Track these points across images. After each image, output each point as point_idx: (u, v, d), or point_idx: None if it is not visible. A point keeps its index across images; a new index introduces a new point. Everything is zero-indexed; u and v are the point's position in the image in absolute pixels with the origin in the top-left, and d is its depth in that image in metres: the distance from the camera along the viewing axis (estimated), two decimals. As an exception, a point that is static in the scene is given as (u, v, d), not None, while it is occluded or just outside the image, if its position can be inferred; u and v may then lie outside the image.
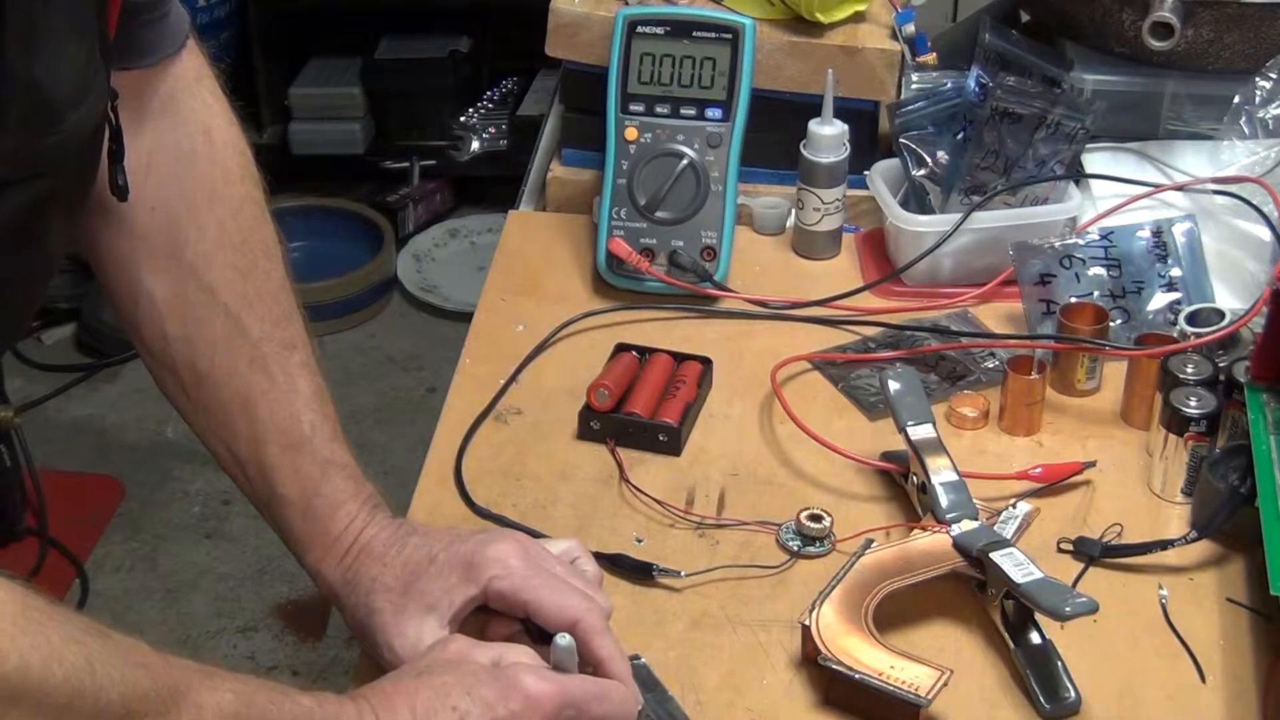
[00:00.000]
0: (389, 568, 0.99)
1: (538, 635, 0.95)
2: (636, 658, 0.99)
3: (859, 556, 1.02)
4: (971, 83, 1.37)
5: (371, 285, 3.14)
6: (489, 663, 0.90)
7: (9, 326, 1.01)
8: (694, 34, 1.37)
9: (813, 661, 0.97)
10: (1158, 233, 1.32)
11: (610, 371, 1.23)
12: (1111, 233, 1.33)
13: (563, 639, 0.90)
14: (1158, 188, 1.40)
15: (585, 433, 1.20)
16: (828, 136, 1.38)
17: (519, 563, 0.96)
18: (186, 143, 1.05)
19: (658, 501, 1.13)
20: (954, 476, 1.08)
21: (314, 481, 1.02)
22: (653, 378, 1.23)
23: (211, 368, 1.04)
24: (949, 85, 1.41)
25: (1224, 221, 1.36)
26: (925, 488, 1.09)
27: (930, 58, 1.47)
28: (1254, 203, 1.33)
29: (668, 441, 1.18)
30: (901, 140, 1.39)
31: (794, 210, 1.44)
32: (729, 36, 1.36)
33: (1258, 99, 1.39)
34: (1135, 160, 1.44)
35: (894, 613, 1.01)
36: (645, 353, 1.26)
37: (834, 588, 1.00)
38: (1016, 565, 0.99)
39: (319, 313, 3.07)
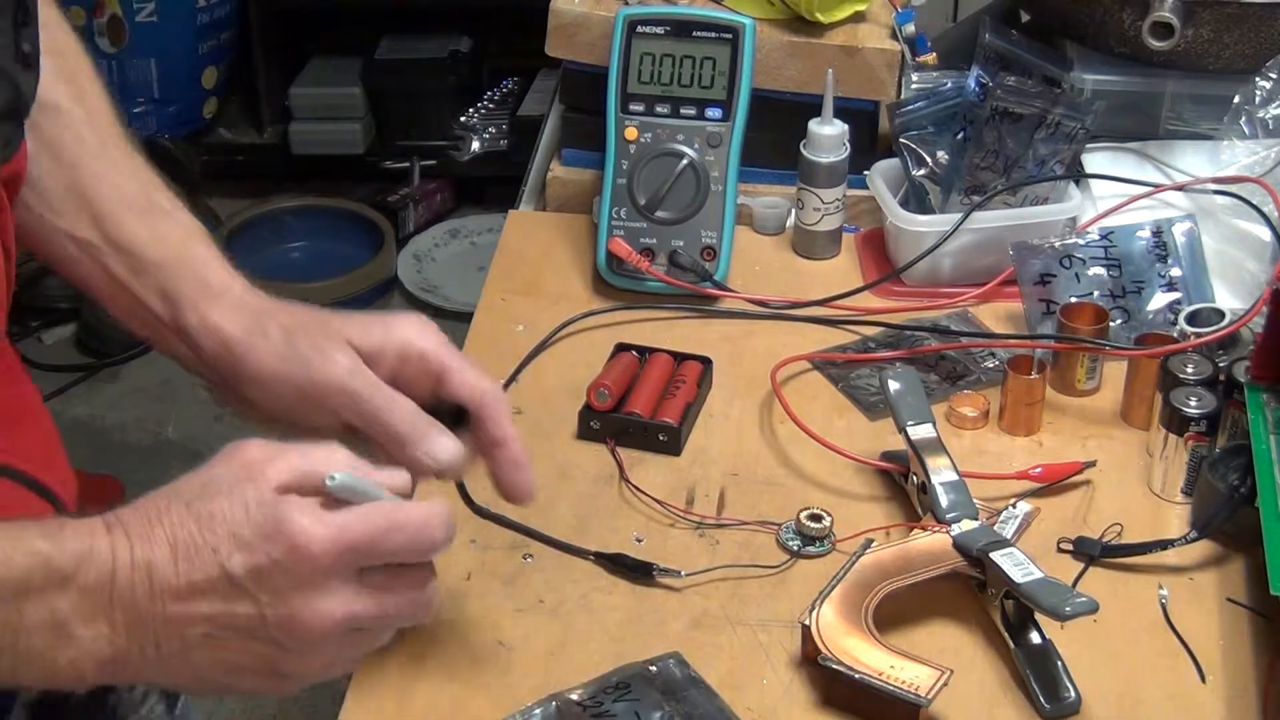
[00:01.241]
0: (299, 311, 0.95)
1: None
2: (675, 655, 0.99)
3: (859, 556, 1.02)
4: (971, 83, 1.37)
5: (372, 285, 3.14)
6: (277, 485, 0.78)
7: None
8: (694, 34, 1.37)
9: (813, 661, 0.97)
10: (1158, 233, 1.32)
11: (610, 371, 1.23)
12: (1111, 233, 1.33)
13: (331, 479, 0.78)
14: (1158, 188, 1.40)
15: (585, 433, 1.20)
16: (828, 136, 1.38)
17: (436, 334, 0.94)
18: None
19: (658, 501, 1.13)
20: (954, 476, 1.08)
21: (180, 241, 0.97)
22: (653, 378, 1.23)
23: (57, 162, 0.96)
24: (949, 85, 1.41)
25: (1224, 221, 1.36)
26: (925, 488, 1.09)
27: (930, 58, 1.47)
28: (1254, 203, 1.33)
29: (668, 441, 1.18)
30: (901, 140, 1.39)
31: (794, 210, 1.44)
32: (729, 36, 1.36)
33: (1258, 99, 1.39)
34: (1135, 160, 1.44)
35: (894, 613, 1.01)
36: (645, 352, 1.26)
37: (834, 588, 1.00)
38: (1016, 565, 0.99)
39: (319, 313, 3.07)
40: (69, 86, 0.97)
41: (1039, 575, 0.97)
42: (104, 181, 0.96)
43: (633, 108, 1.37)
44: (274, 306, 0.95)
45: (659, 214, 1.37)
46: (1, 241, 0.87)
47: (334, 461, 0.81)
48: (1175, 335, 1.21)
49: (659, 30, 1.37)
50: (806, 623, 0.97)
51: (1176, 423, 1.12)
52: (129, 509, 0.78)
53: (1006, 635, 1.00)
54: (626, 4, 1.43)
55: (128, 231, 0.95)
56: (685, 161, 1.36)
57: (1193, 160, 1.42)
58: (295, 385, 0.93)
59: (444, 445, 0.93)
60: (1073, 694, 0.97)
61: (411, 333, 0.94)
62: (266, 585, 0.76)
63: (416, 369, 0.94)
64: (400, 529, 0.79)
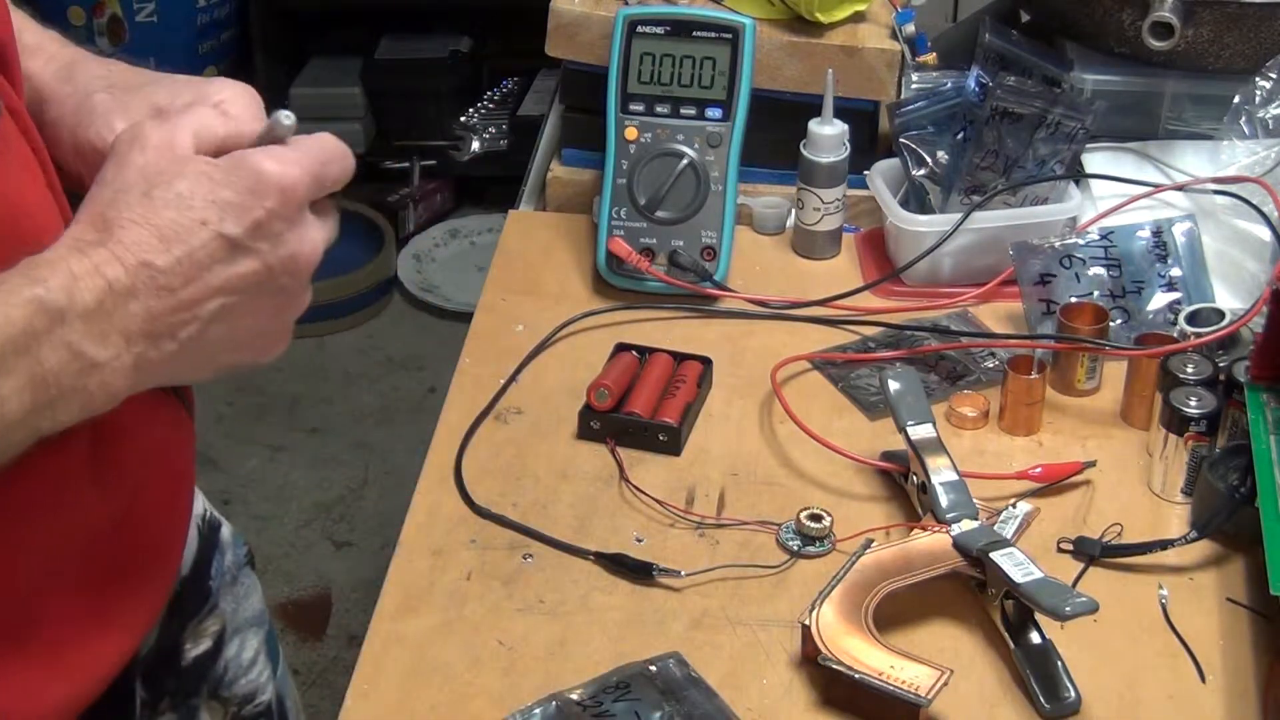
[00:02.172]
0: (115, 71, 0.91)
1: None
2: (675, 655, 0.99)
3: (859, 556, 1.02)
4: (971, 83, 1.37)
5: (372, 285, 3.14)
6: (213, 153, 0.78)
7: None
8: (694, 34, 1.37)
9: (813, 661, 0.97)
10: (1158, 233, 1.33)
11: (610, 371, 1.23)
12: (1111, 233, 1.33)
13: (289, 118, 0.80)
14: (1158, 188, 1.40)
15: (585, 432, 1.20)
16: (828, 136, 1.38)
17: (253, 103, 0.87)
18: None
19: (658, 501, 1.13)
20: (954, 476, 1.08)
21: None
22: (653, 377, 1.23)
23: None
24: (949, 85, 1.41)
25: (1224, 221, 1.36)
26: (925, 488, 1.09)
27: (930, 58, 1.47)
28: (1254, 203, 1.33)
29: (668, 441, 1.18)
30: (901, 140, 1.39)
31: (794, 210, 1.44)
32: (729, 36, 1.36)
33: (1258, 99, 1.39)
34: (1135, 160, 1.44)
35: (894, 613, 1.01)
36: (645, 352, 1.26)
37: (834, 587, 1.00)
38: (1016, 565, 0.99)
39: (319, 313, 3.08)
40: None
41: (1039, 575, 0.97)
42: None
43: (633, 108, 1.37)
44: (92, 59, 0.92)
45: (659, 214, 1.37)
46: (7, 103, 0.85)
47: (233, 112, 0.82)
48: (1175, 335, 1.21)
49: (659, 30, 1.37)
50: (806, 623, 0.97)
51: (1176, 423, 1.12)
52: (83, 226, 0.76)
53: (1006, 635, 1.00)
54: (626, 4, 1.43)
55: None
56: (685, 161, 1.36)
57: (1193, 160, 1.42)
58: (74, 144, 0.89)
59: None
60: (1073, 694, 0.97)
61: (226, 94, 0.86)
62: (265, 235, 0.77)
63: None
64: (335, 156, 0.82)
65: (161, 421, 0.94)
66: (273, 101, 0.84)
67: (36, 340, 0.72)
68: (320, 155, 0.81)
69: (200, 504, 1.07)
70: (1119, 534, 1.10)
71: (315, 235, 0.80)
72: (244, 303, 0.78)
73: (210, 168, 0.77)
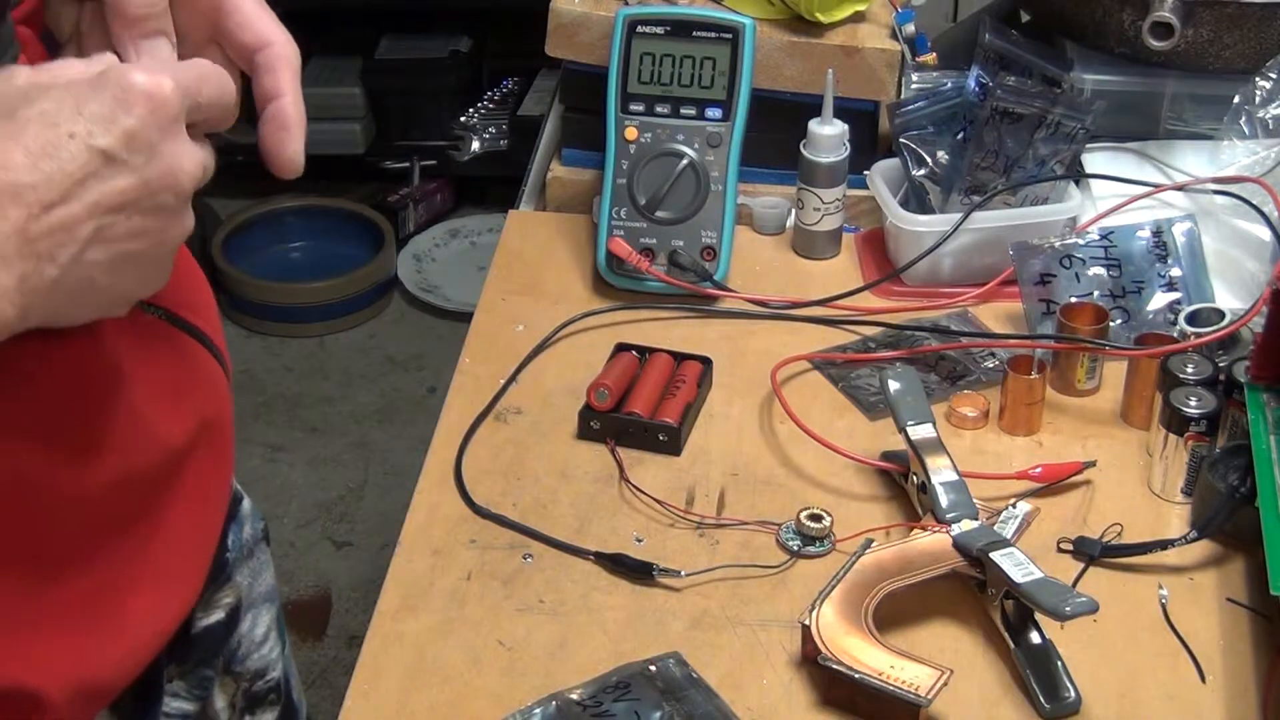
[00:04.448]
0: None
1: None
2: (675, 655, 0.99)
3: (859, 556, 1.02)
4: (971, 83, 1.37)
5: (372, 285, 3.14)
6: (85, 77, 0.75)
7: None
8: (694, 34, 1.37)
9: (813, 661, 0.97)
10: (1158, 233, 1.33)
11: (610, 371, 1.23)
12: (1111, 233, 1.33)
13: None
14: (1158, 188, 1.40)
15: (585, 433, 1.20)
16: (828, 136, 1.38)
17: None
18: None
19: (658, 501, 1.13)
20: (954, 476, 1.08)
21: None
22: (653, 377, 1.23)
23: None
24: (949, 85, 1.41)
25: (1224, 221, 1.36)
26: (925, 487, 1.09)
27: (930, 58, 1.47)
28: (1254, 203, 1.33)
29: (668, 441, 1.18)
30: (901, 140, 1.39)
31: (794, 210, 1.44)
32: (729, 36, 1.36)
33: (1258, 99, 1.39)
34: (1135, 160, 1.44)
35: (894, 613, 1.01)
36: (645, 352, 1.26)
37: (834, 587, 1.00)
38: (1016, 565, 0.99)
39: (319, 313, 3.08)
40: None
41: (1039, 575, 0.97)
42: None
43: (633, 108, 1.37)
44: None
45: (659, 214, 1.37)
46: None
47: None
48: (1175, 335, 1.21)
49: (659, 30, 1.37)
50: (806, 623, 0.97)
51: (1176, 423, 1.12)
52: None
53: (1006, 635, 1.00)
54: (626, 4, 1.43)
55: None
56: (685, 161, 1.36)
57: (1193, 160, 1.43)
58: None
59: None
60: (1073, 694, 0.97)
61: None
62: (138, 146, 0.74)
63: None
64: (210, 74, 0.79)
65: (206, 374, 0.94)
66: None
67: None
68: (194, 71, 0.78)
69: None
70: (1119, 534, 1.10)
71: (193, 151, 0.78)
72: (121, 223, 0.75)
73: (81, 84, 0.74)
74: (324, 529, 2.64)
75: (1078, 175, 1.39)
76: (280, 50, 0.85)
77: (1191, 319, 1.21)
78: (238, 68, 0.87)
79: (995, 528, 1.08)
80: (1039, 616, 0.99)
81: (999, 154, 1.35)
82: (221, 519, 0.99)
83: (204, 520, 0.95)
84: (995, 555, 1.00)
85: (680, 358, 1.26)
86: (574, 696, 0.96)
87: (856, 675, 0.94)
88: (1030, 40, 1.49)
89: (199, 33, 0.86)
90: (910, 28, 1.46)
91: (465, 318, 1.38)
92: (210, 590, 1.05)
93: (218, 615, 1.06)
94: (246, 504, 1.10)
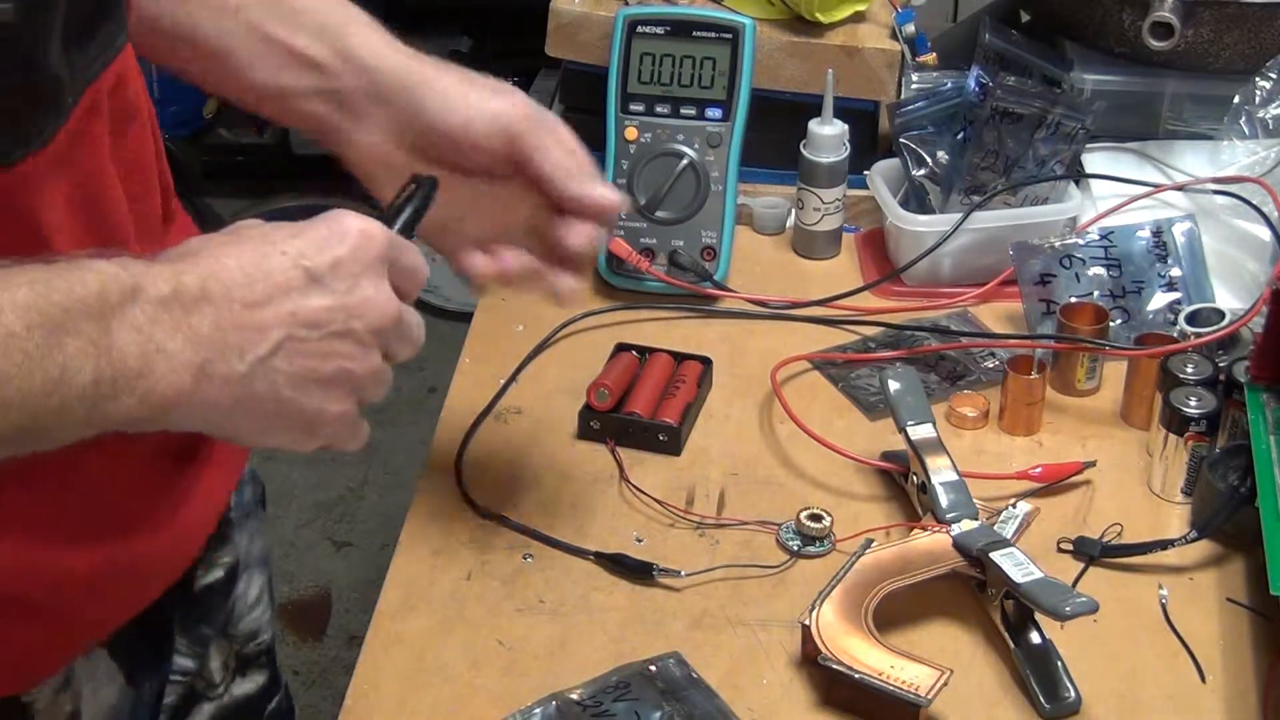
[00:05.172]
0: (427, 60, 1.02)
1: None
2: (675, 655, 0.99)
3: (859, 556, 1.02)
4: (971, 83, 1.37)
5: (372, 285, 3.14)
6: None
7: None
8: (694, 34, 1.37)
9: (813, 661, 0.97)
10: (1158, 233, 1.33)
11: (610, 371, 1.23)
12: (1111, 233, 1.33)
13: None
14: (1158, 188, 1.40)
15: (585, 433, 1.20)
16: (828, 136, 1.38)
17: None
18: None
19: (658, 501, 1.13)
20: (954, 476, 1.08)
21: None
22: (653, 378, 1.23)
23: None
24: (949, 85, 1.41)
25: (1224, 221, 1.36)
26: (925, 487, 1.09)
27: (930, 58, 1.47)
28: (1254, 203, 1.33)
29: (668, 441, 1.18)
30: (901, 140, 1.39)
31: (794, 210, 1.44)
32: (729, 36, 1.36)
33: (1258, 99, 1.39)
34: (1135, 160, 1.44)
35: (894, 613, 1.01)
36: (645, 352, 1.26)
37: (834, 587, 1.00)
38: (1016, 565, 0.99)
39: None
40: None
41: (1039, 575, 0.97)
42: None
43: (633, 108, 1.37)
44: (417, 62, 1.04)
45: (659, 214, 1.37)
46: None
47: None
48: (1175, 335, 1.21)
49: (659, 30, 1.37)
50: (806, 623, 0.97)
51: (1176, 423, 1.12)
52: (169, 253, 0.79)
53: (1006, 635, 1.00)
54: (626, 4, 1.43)
55: None
56: (685, 161, 1.36)
57: (1193, 160, 1.43)
58: (479, 112, 0.98)
59: (608, 188, 1.00)
60: (1073, 694, 0.97)
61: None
62: (341, 273, 0.80)
63: (523, 129, 0.98)
64: (410, 249, 0.86)
65: None
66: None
67: (108, 309, 0.73)
68: (401, 239, 0.86)
69: None
70: (1119, 534, 1.10)
71: (392, 296, 0.83)
72: (312, 341, 0.80)
73: (300, 223, 0.82)
74: (324, 529, 2.64)
75: (1078, 175, 1.40)
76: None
77: (1191, 319, 1.21)
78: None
79: (995, 528, 1.08)
80: (1039, 616, 0.99)
81: (999, 154, 1.35)
82: None
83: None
84: (995, 555, 1.00)
85: (680, 358, 1.26)
86: (574, 696, 0.96)
87: (856, 675, 0.94)
88: (1030, 40, 1.49)
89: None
90: (910, 28, 1.46)
91: (465, 318, 1.38)
92: (211, 549, 1.08)
93: (217, 574, 1.09)
94: (248, 468, 1.11)
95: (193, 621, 1.07)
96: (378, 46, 1.01)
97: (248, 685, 1.15)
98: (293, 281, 0.79)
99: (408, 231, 0.90)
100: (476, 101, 0.98)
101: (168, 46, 0.98)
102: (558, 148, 0.98)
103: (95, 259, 0.74)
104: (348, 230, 0.82)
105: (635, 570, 1.07)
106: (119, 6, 0.84)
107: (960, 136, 1.37)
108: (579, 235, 0.99)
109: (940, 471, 1.08)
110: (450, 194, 0.96)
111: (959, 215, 1.34)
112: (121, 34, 0.85)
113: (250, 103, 1.00)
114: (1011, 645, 1.00)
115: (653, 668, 0.98)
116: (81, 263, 0.73)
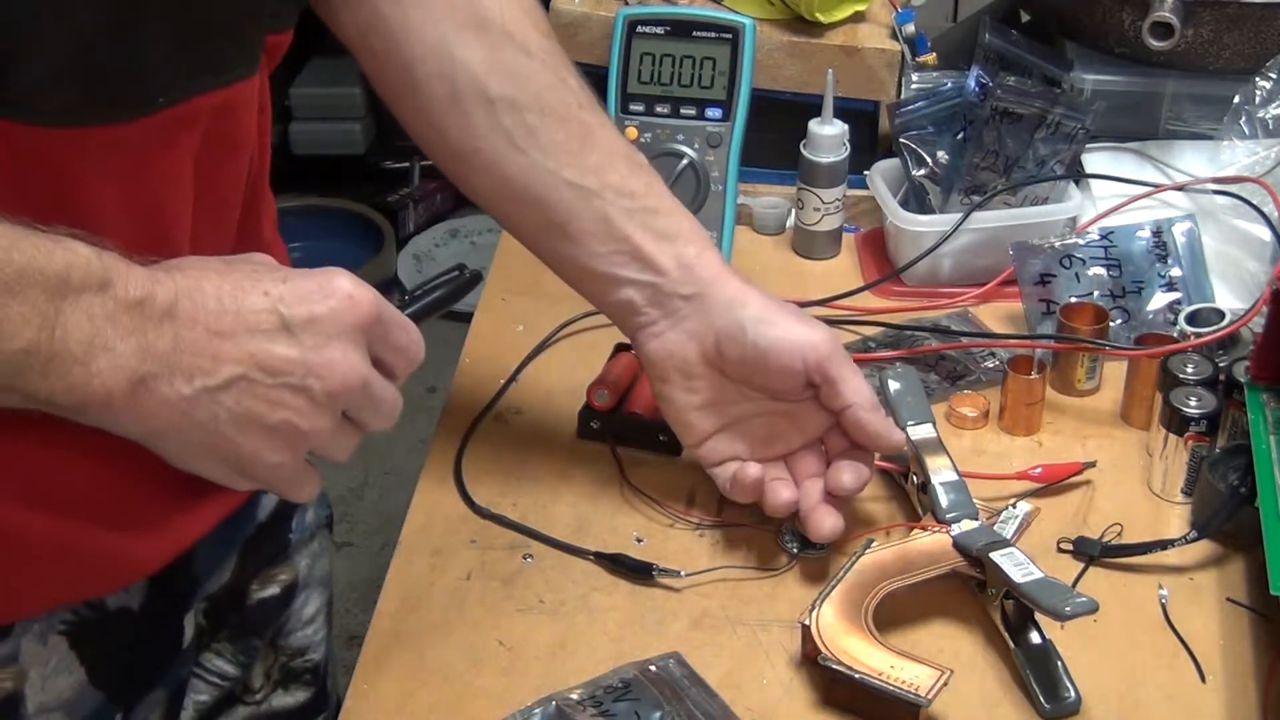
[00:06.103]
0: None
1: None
2: (675, 655, 0.99)
3: (859, 556, 1.02)
4: (971, 83, 1.37)
5: (372, 285, 3.14)
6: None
7: None
8: (694, 34, 1.37)
9: (813, 661, 0.97)
10: (1158, 233, 1.33)
11: (610, 371, 1.23)
12: (1111, 233, 1.33)
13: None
14: (1158, 188, 1.40)
15: (585, 432, 1.20)
16: (828, 136, 1.38)
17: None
18: None
19: (658, 501, 1.13)
20: (954, 476, 1.08)
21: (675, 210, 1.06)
22: (653, 378, 1.23)
23: (543, 114, 1.03)
24: (949, 85, 1.41)
25: (1224, 221, 1.36)
26: (925, 487, 1.09)
27: (930, 58, 1.47)
28: (1254, 203, 1.33)
29: (668, 441, 1.18)
30: (901, 140, 1.39)
31: (794, 210, 1.44)
32: (729, 36, 1.36)
33: (1258, 99, 1.39)
34: (1135, 160, 1.44)
35: (894, 613, 1.01)
36: (645, 353, 1.26)
37: (834, 588, 1.00)
38: (1016, 565, 0.99)
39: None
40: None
41: (1039, 575, 0.97)
42: (598, 137, 1.04)
43: (633, 108, 1.37)
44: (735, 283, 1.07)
45: (659, 214, 1.36)
46: (259, 100, 0.91)
47: None
48: (1175, 335, 1.21)
49: (659, 30, 1.37)
50: (806, 623, 0.97)
51: (1176, 423, 1.12)
52: (163, 264, 0.79)
53: (1006, 635, 1.00)
54: (626, 4, 1.43)
55: (629, 182, 1.04)
56: (685, 161, 1.36)
57: (1193, 160, 1.43)
58: (792, 338, 1.02)
59: (898, 433, 1.06)
60: (1073, 694, 0.97)
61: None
62: (314, 330, 0.81)
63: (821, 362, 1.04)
64: (408, 328, 0.87)
65: None
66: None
67: (67, 288, 0.72)
68: (397, 315, 0.87)
69: None
70: (1119, 534, 1.10)
71: (359, 360, 0.83)
72: (265, 386, 0.80)
73: (297, 271, 0.83)
74: (324, 529, 2.64)
75: (1078, 175, 1.40)
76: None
77: (1191, 319, 1.21)
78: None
79: (995, 528, 1.08)
80: (1039, 616, 0.99)
81: (999, 154, 1.35)
82: None
83: None
84: (995, 555, 1.00)
85: (680, 358, 1.25)
86: (574, 696, 0.96)
87: (856, 675, 0.94)
88: (1030, 40, 1.49)
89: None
90: (910, 28, 1.46)
91: (465, 318, 1.37)
92: (270, 567, 1.09)
93: (273, 590, 1.10)
94: (320, 492, 1.12)
95: (243, 633, 1.08)
96: (714, 263, 1.06)
97: (288, 699, 1.15)
98: (263, 324, 0.79)
99: (421, 313, 0.90)
100: (791, 326, 1.03)
101: (512, 202, 1.08)
102: (855, 378, 1.03)
103: (78, 241, 0.74)
104: (336, 290, 0.83)
105: (635, 570, 1.07)
106: (245, 38, 0.85)
107: (960, 136, 1.37)
108: (855, 478, 1.04)
109: (940, 471, 1.08)
110: (736, 406, 1.05)
111: (959, 215, 1.34)
112: (244, 67, 0.86)
113: (570, 276, 1.07)
114: (1011, 645, 1.00)
115: (653, 668, 0.98)
116: (61, 239, 0.73)
